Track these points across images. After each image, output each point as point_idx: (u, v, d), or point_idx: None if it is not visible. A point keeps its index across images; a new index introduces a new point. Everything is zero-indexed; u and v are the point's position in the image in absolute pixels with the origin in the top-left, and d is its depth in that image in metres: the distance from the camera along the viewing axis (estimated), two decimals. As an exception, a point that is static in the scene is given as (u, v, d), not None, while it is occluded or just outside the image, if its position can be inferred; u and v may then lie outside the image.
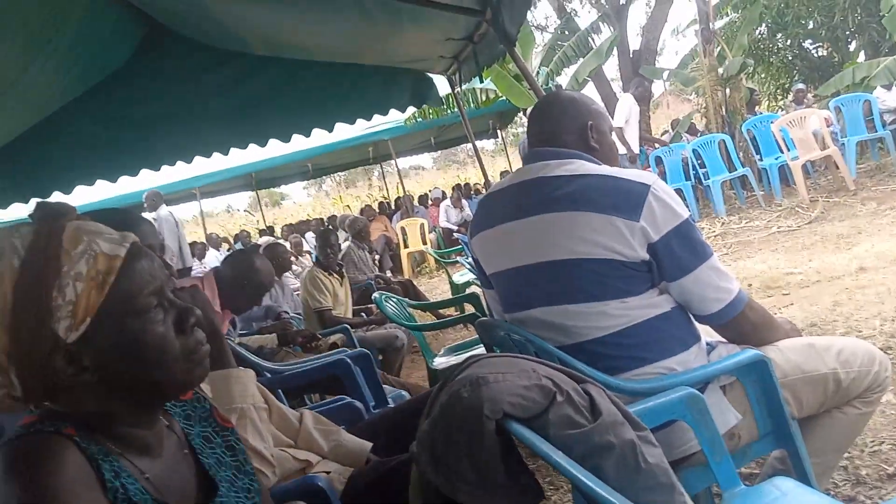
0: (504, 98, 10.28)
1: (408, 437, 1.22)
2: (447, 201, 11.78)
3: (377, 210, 13.12)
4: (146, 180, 5.53)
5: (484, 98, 10.80)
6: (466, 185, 14.66)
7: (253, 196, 17.45)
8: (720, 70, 8.61)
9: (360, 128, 9.22)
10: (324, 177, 21.86)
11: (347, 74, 3.81)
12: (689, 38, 22.03)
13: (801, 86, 10.54)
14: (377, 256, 9.23)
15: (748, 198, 8.02)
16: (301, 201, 29.84)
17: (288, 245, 7.87)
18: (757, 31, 13.29)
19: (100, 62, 3.17)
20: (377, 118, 4.30)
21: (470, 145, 6.85)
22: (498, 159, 20.43)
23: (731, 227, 6.94)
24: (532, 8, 16.36)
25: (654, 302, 1.49)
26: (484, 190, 10.76)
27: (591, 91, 13.44)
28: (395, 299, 3.97)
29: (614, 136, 1.83)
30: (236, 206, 29.75)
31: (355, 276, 5.88)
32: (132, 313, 0.82)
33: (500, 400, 0.98)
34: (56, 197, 3.78)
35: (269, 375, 2.69)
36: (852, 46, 13.67)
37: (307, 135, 4.04)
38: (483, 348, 2.55)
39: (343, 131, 5.64)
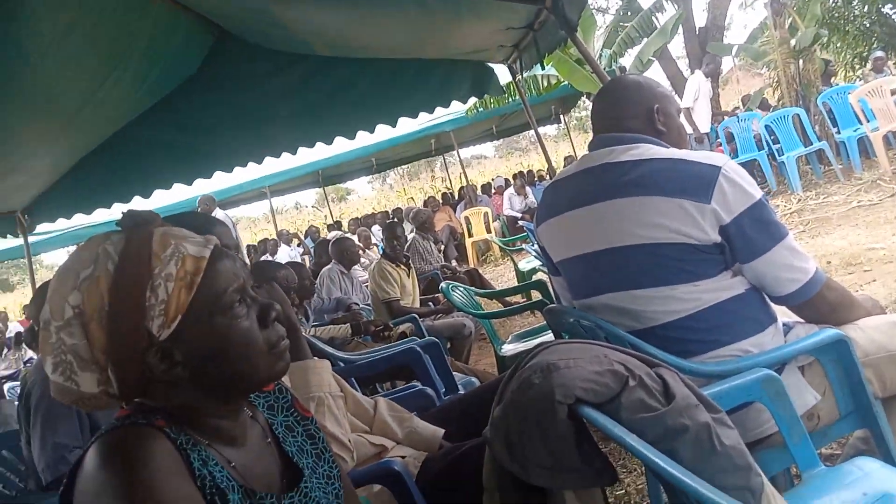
0: (566, 83, 10.15)
1: (478, 424, 1.24)
2: (510, 189, 11.71)
3: (441, 201, 13.21)
4: (220, 182, 5.74)
5: (546, 84, 10.66)
6: (529, 171, 14.53)
7: (320, 192, 17.81)
8: (792, 42, 8.23)
9: (422, 120, 9.31)
10: (387, 170, 22.09)
11: (409, 69, 3.86)
12: (759, 10, 21.06)
13: (880, 53, 9.89)
14: (442, 246, 9.28)
15: (825, 172, 7.66)
16: (366, 195, 30.17)
17: (356, 238, 8.02)
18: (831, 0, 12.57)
19: (172, 72, 3.31)
20: (439, 110, 4.33)
21: (532, 132, 6.79)
22: (561, 144, 20.13)
23: (808, 204, 6.66)
24: (592, -10, 16.03)
25: (726, 284, 1.47)
26: (548, 176, 10.65)
27: (656, 71, 13.06)
28: (461, 288, 3.99)
29: (682, 118, 1.80)
30: (304, 203, 30.52)
31: (421, 267, 5.96)
32: (219, 310, 0.87)
33: (571, 385, 0.99)
34: (137, 201, 3.99)
35: (342, 365, 2.76)
36: (937, 8, 12.77)
37: (371, 131, 4.11)
38: (551, 335, 2.54)
39: (405, 125, 5.69)
